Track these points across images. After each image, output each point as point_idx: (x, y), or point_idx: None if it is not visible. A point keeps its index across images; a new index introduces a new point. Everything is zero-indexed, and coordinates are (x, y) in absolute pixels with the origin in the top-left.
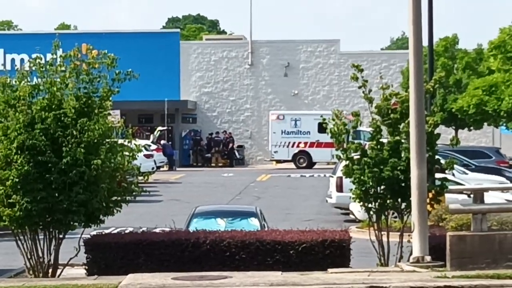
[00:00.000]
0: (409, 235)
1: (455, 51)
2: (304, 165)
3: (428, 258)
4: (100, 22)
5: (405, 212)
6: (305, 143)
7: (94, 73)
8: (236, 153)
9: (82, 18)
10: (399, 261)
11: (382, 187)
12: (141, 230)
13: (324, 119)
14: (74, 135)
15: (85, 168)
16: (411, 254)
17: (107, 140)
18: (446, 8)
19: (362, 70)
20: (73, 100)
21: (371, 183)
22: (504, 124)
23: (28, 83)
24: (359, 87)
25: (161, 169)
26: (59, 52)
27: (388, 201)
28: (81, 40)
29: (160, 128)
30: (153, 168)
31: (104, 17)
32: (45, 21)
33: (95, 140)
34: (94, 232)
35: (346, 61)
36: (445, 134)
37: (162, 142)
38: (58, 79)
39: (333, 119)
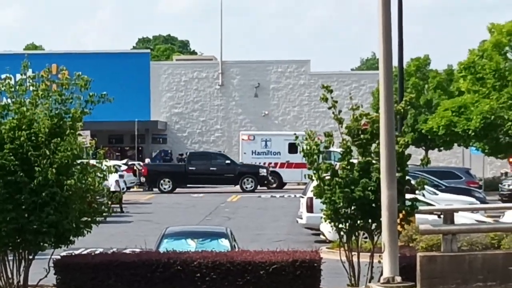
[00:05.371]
0: (379, 256)
1: (426, 72)
2: (275, 185)
3: (398, 278)
4: (70, 42)
5: (376, 233)
6: (276, 164)
7: (66, 94)
8: None
9: (51, 38)
10: (370, 282)
11: (353, 207)
12: (111, 250)
13: (297, 137)
14: (46, 155)
15: (57, 189)
16: (381, 274)
17: (78, 161)
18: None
19: (331, 91)
20: (48, 120)
21: (342, 204)
22: (474, 145)
23: None
24: (329, 108)
25: (131, 189)
26: (29, 72)
27: (358, 222)
28: (51, 60)
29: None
30: (123, 189)
31: (73, 37)
32: (13, 41)
33: (67, 161)
34: (64, 253)
35: (316, 81)
36: (416, 154)
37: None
38: (28, 100)
39: (306, 139)
